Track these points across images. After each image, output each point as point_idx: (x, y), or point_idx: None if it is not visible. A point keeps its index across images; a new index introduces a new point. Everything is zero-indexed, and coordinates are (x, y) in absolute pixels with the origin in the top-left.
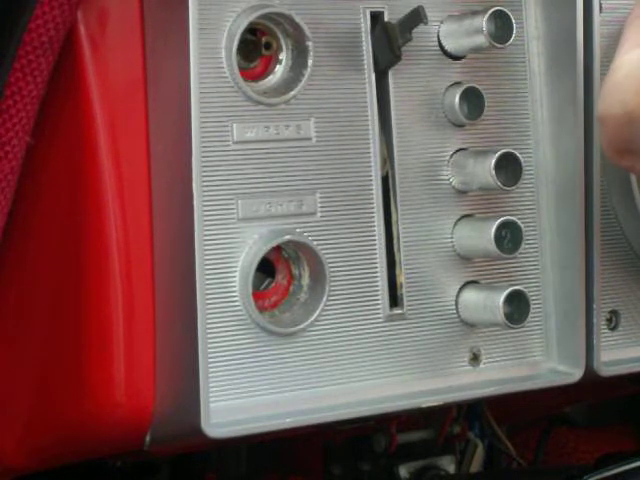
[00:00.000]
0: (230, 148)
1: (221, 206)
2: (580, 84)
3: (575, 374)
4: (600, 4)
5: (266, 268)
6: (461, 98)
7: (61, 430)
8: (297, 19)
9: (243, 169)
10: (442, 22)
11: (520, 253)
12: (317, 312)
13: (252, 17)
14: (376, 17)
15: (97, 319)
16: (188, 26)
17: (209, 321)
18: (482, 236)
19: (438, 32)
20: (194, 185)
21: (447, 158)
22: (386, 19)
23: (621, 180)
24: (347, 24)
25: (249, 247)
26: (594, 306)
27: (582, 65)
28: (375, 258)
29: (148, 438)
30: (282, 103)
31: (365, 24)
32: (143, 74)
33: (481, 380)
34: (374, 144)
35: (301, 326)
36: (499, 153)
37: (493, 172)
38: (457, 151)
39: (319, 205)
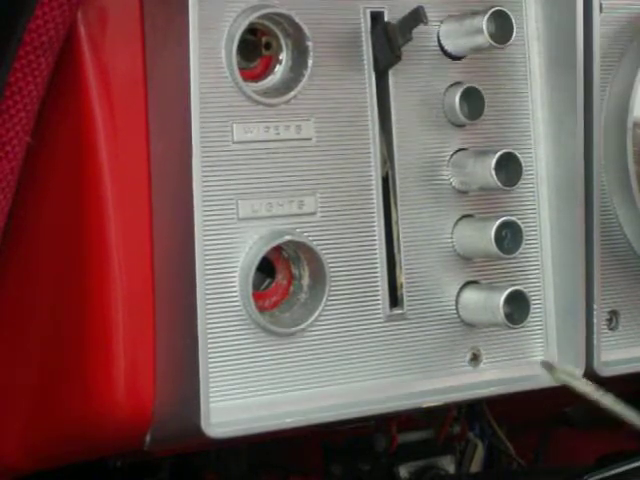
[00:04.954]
0: (230, 148)
1: (221, 206)
2: (580, 84)
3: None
4: (600, 4)
5: (266, 268)
6: (461, 98)
7: (61, 430)
8: (297, 19)
9: (243, 169)
10: (442, 22)
11: (520, 253)
12: (317, 312)
13: (252, 17)
14: (376, 17)
15: (97, 319)
16: (188, 26)
17: (209, 321)
18: (482, 236)
19: (438, 32)
20: (194, 185)
21: (447, 158)
22: (386, 19)
23: (621, 180)
24: (347, 24)
25: (249, 247)
26: (594, 306)
27: (582, 65)
28: (375, 258)
29: (148, 438)
30: (282, 103)
31: (365, 24)
32: (143, 74)
33: (481, 380)
34: (374, 144)
35: (301, 326)
36: (499, 153)
37: (493, 172)
38: (457, 151)
39: (319, 205)
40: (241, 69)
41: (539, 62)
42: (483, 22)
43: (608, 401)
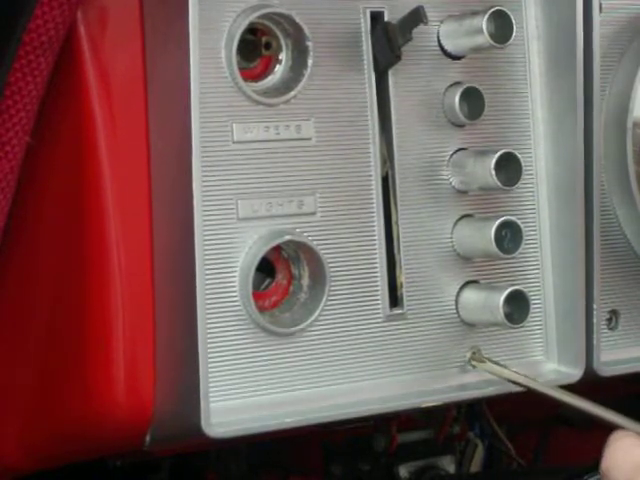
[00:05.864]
0: (230, 148)
1: (221, 206)
2: (580, 84)
3: (575, 374)
4: (600, 4)
5: (266, 268)
6: (461, 98)
7: (61, 430)
8: (297, 19)
9: (243, 169)
10: (442, 22)
11: (520, 253)
12: (317, 312)
13: (252, 17)
14: (376, 17)
15: (97, 319)
16: (188, 26)
17: (209, 321)
18: (482, 236)
19: (438, 32)
20: (194, 185)
21: (447, 158)
22: (386, 19)
23: (621, 180)
24: (347, 24)
25: (249, 247)
26: (594, 306)
27: (582, 65)
28: (375, 258)
29: (148, 438)
30: (282, 103)
31: (365, 24)
32: (143, 74)
33: (481, 380)
34: (374, 144)
35: (301, 326)
36: (499, 153)
37: (493, 172)
38: (457, 151)
39: (319, 205)
40: (241, 69)
41: (539, 62)
42: (483, 22)
43: (536, 385)
